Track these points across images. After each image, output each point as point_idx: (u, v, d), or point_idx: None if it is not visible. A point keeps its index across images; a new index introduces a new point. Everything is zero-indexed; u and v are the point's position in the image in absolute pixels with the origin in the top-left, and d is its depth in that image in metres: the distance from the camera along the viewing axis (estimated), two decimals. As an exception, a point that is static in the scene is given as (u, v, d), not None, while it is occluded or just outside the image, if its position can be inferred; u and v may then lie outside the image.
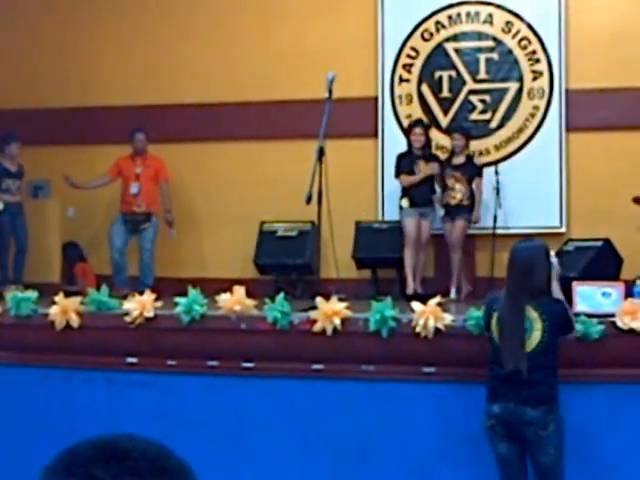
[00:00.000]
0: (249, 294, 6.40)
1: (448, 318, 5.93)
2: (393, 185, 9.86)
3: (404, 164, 9.59)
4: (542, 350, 4.99)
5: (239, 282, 6.79)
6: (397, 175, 9.65)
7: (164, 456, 1.56)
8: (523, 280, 5.06)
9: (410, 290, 9.21)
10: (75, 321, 6.38)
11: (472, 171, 9.55)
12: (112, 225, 9.89)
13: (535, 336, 4.99)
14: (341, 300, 6.25)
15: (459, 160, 9.61)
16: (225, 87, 10.63)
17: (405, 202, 9.56)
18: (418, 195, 9.54)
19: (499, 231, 9.51)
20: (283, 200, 9.84)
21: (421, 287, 9.42)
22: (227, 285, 6.52)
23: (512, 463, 5.12)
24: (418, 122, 9.81)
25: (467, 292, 9.39)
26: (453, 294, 9.18)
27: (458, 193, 9.50)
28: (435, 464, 6.02)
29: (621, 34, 9.81)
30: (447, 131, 10.03)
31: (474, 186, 9.52)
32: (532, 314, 5.01)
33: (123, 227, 9.81)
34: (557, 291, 5.28)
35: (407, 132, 9.84)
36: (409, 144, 9.70)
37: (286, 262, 9.93)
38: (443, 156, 9.85)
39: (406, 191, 9.58)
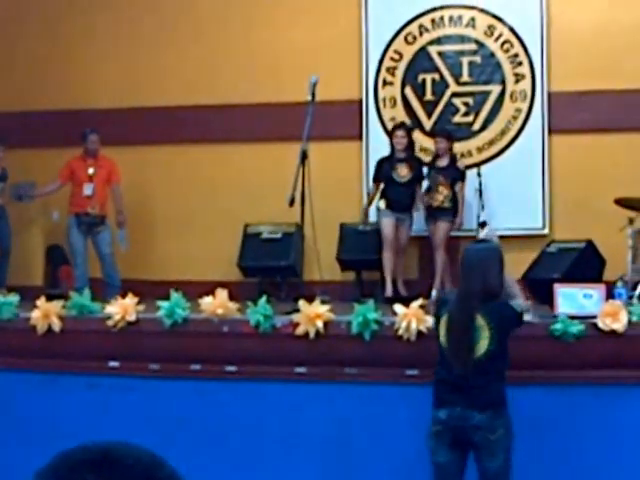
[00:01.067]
0: (233, 297, 6.40)
1: (430, 320, 5.93)
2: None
3: (384, 169, 9.59)
4: (488, 358, 4.91)
5: (223, 285, 6.79)
6: (375, 180, 9.67)
7: (157, 465, 1.56)
8: (475, 283, 4.96)
9: (388, 292, 9.17)
10: (57, 325, 6.37)
11: (455, 174, 9.58)
12: (69, 230, 9.70)
13: (482, 344, 4.90)
14: (324, 302, 6.26)
15: (443, 162, 9.65)
16: (210, 90, 10.63)
17: (382, 203, 9.55)
18: (396, 200, 9.50)
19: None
20: (267, 202, 9.83)
21: (404, 289, 9.42)
22: (211, 288, 6.51)
23: (450, 474, 5.02)
24: (401, 125, 9.78)
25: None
26: (434, 296, 9.17)
27: (440, 195, 9.53)
28: (418, 466, 6.02)
29: (602, 37, 9.86)
30: (431, 134, 10.06)
31: (457, 189, 9.56)
32: (480, 322, 4.91)
33: (78, 229, 9.70)
34: (515, 291, 5.26)
35: (390, 135, 9.81)
36: (392, 147, 9.66)
37: (270, 264, 9.93)
38: (427, 159, 9.88)
39: (385, 193, 9.56)
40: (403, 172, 9.52)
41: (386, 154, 9.78)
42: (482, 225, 5.63)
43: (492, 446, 4.88)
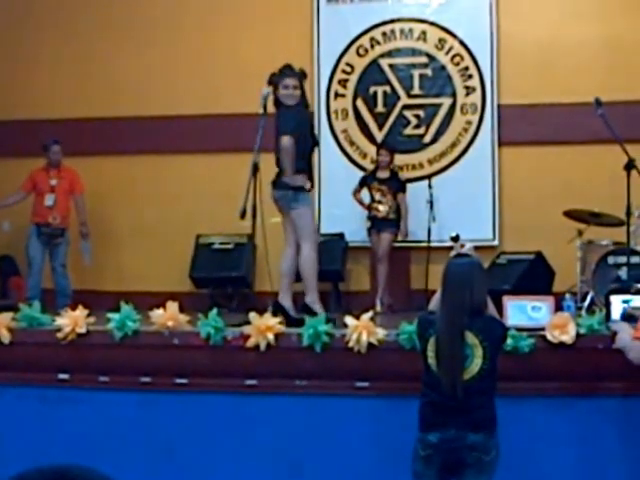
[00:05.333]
0: (185, 308, 6.38)
1: (381, 332, 5.95)
2: (329, 198, 9.92)
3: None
4: (482, 376, 4.79)
5: (175, 296, 6.78)
6: None
7: None
8: (462, 300, 4.80)
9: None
10: (6, 337, 6.30)
11: (396, 186, 9.69)
12: (29, 239, 9.72)
13: (476, 363, 4.77)
14: (275, 315, 6.27)
15: (384, 174, 9.75)
16: (161, 101, 10.63)
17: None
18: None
19: (434, 244, 9.61)
20: (219, 213, 9.83)
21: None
22: (164, 299, 6.48)
23: None
24: (285, 69, 7.41)
25: (388, 304, 9.49)
26: (379, 307, 9.26)
27: (385, 206, 9.62)
28: (369, 478, 6.05)
29: (550, 52, 10.03)
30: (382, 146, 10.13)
31: (399, 200, 9.66)
32: (473, 340, 4.78)
33: (38, 239, 9.69)
34: (492, 307, 5.17)
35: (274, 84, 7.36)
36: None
37: (222, 275, 9.92)
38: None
39: None
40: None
41: (341, 167, 9.86)
42: (455, 239, 5.57)
43: (483, 467, 4.78)
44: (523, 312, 6.04)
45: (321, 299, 9.44)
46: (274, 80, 7.35)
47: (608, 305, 5.93)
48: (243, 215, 7.13)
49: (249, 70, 10.24)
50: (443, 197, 9.89)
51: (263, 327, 5.98)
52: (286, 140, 7.11)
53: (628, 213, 7.51)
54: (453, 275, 4.94)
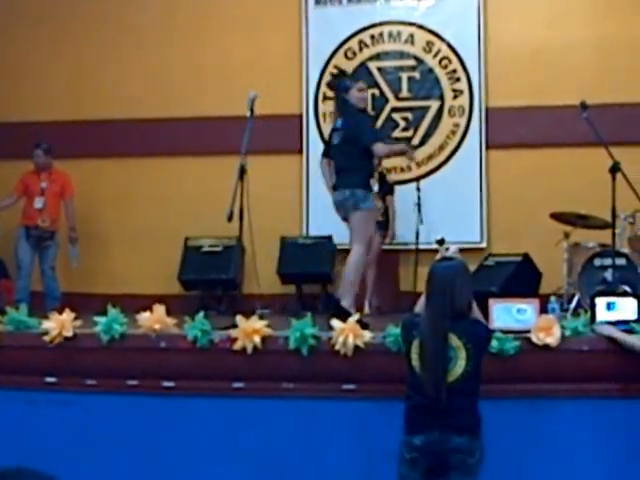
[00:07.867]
0: (174, 311, 6.38)
1: (367, 335, 5.96)
2: (318, 200, 9.93)
3: None
4: (466, 379, 4.84)
5: (165, 298, 6.81)
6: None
7: None
8: (445, 302, 4.86)
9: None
10: (-7, 341, 6.32)
11: (384, 189, 9.71)
12: (18, 241, 9.75)
13: (459, 365, 4.82)
14: (262, 317, 6.28)
15: None
16: (150, 103, 10.63)
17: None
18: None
19: (422, 246, 9.63)
20: (208, 216, 9.81)
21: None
22: (153, 301, 6.47)
23: None
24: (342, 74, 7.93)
25: (376, 306, 9.53)
26: (367, 309, 9.30)
27: None
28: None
29: (538, 55, 10.06)
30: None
31: (388, 202, 9.69)
32: (456, 342, 4.83)
33: (27, 242, 9.71)
34: (476, 310, 5.20)
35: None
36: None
37: (211, 277, 9.92)
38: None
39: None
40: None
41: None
42: (440, 242, 5.59)
43: (468, 469, 4.83)
44: (509, 314, 6.06)
45: (310, 301, 9.56)
46: (346, 84, 7.49)
47: (593, 307, 5.96)
48: (230, 218, 7.16)
49: (238, 73, 10.29)
50: (431, 200, 9.91)
51: (250, 330, 5.99)
52: (381, 147, 7.29)
53: (613, 215, 7.53)
54: (437, 278, 4.98)
